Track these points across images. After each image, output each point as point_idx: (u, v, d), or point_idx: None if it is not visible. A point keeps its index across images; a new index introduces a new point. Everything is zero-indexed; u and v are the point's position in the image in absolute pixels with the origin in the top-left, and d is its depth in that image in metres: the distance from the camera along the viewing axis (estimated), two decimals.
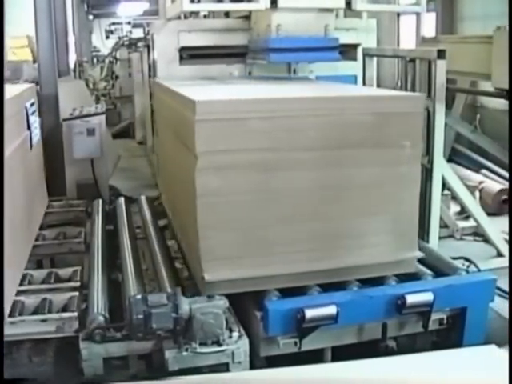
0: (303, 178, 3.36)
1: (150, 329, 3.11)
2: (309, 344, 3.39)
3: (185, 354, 3.16)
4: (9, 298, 3.36)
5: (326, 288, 3.47)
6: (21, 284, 3.76)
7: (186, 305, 3.16)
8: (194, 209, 3.28)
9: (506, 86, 6.42)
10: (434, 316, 3.59)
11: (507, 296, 4.44)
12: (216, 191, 3.25)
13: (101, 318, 3.30)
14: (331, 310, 3.28)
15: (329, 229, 3.46)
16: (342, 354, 3.55)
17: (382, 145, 3.45)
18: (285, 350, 3.37)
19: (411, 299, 3.42)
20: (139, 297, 3.18)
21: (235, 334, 3.27)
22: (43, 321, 3.39)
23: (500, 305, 4.22)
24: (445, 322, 3.70)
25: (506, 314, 4.16)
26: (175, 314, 3.13)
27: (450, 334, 3.75)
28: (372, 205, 3.50)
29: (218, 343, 3.20)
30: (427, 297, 3.45)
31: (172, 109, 3.92)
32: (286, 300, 3.37)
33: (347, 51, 5.46)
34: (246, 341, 3.27)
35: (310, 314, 3.24)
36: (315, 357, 3.55)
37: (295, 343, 3.35)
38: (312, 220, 3.42)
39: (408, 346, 3.77)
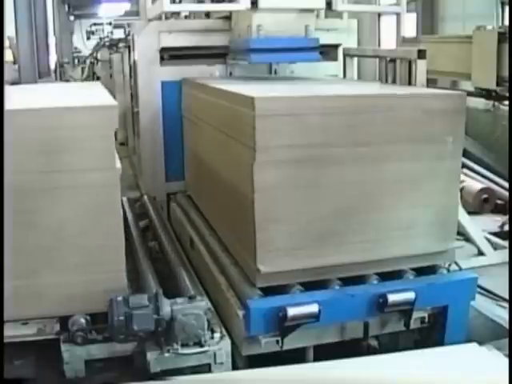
0: (355, 172, 3.47)
1: (131, 330, 3.10)
2: (291, 343, 3.41)
3: (167, 355, 3.16)
4: None
5: (308, 287, 3.48)
6: None
7: (167, 306, 3.15)
8: (249, 202, 3.36)
9: (485, 85, 6.47)
10: (416, 315, 3.61)
11: (488, 294, 4.47)
12: (273, 185, 3.34)
13: (82, 320, 3.28)
14: (313, 308, 3.30)
15: (379, 220, 3.56)
16: (324, 353, 3.57)
17: (428, 140, 3.56)
18: (267, 348, 3.39)
19: (393, 298, 3.44)
20: (120, 298, 3.16)
21: (217, 335, 3.27)
22: (24, 323, 3.37)
23: (481, 303, 4.25)
24: (426, 320, 3.73)
25: (487, 312, 4.19)
26: (156, 315, 3.12)
27: (432, 332, 3.78)
28: (418, 197, 3.60)
29: (200, 344, 3.20)
30: (409, 295, 3.48)
31: (219, 107, 3.98)
32: (268, 299, 3.39)
33: (328, 51, 5.48)
34: (227, 341, 3.27)
35: (291, 312, 3.26)
36: (297, 356, 3.56)
37: (277, 342, 3.36)
38: (364, 212, 3.52)
39: (390, 344, 3.80)
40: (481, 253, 5.20)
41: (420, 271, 3.71)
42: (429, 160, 3.58)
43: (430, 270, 3.74)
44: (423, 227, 3.65)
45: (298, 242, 3.44)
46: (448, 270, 3.78)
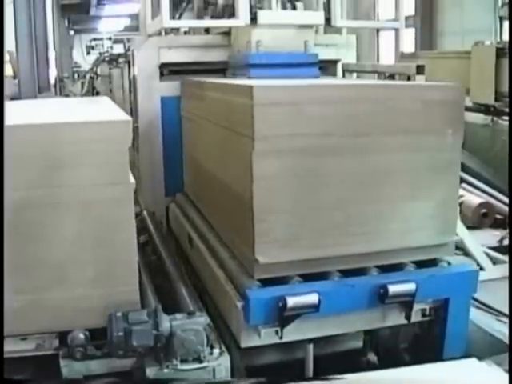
0: (355, 163, 3.46)
1: (130, 346, 3.10)
2: (290, 334, 3.40)
3: (166, 371, 3.15)
4: None
5: (307, 279, 3.47)
6: None
7: (166, 322, 3.15)
8: (248, 193, 3.36)
9: (483, 100, 6.50)
10: (417, 307, 3.61)
11: (487, 309, 4.47)
12: (272, 174, 3.33)
13: (81, 336, 3.28)
14: (313, 298, 3.29)
15: (379, 212, 3.55)
16: (323, 367, 3.56)
17: (427, 132, 3.56)
18: (266, 340, 3.39)
19: (393, 289, 3.43)
20: (119, 314, 3.16)
21: (216, 351, 3.26)
22: (23, 339, 3.36)
23: (480, 317, 4.25)
24: (427, 313, 3.72)
25: (486, 327, 4.19)
26: (156, 331, 3.12)
27: (433, 326, 3.77)
28: (418, 189, 3.59)
29: (199, 360, 3.19)
30: (409, 287, 3.47)
31: (217, 100, 4.01)
32: (268, 289, 3.38)
33: (327, 67, 5.50)
34: (227, 357, 3.26)
35: (291, 302, 3.25)
36: (297, 368, 3.56)
37: (276, 332, 3.36)
38: (364, 203, 3.51)
39: (391, 339, 3.82)
40: (480, 267, 5.20)
41: (420, 264, 3.69)
42: (429, 151, 3.58)
43: (431, 263, 3.72)
44: (423, 219, 3.64)
45: (297, 232, 3.43)
46: (449, 263, 3.76)
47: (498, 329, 4.17)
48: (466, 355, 3.59)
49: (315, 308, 3.30)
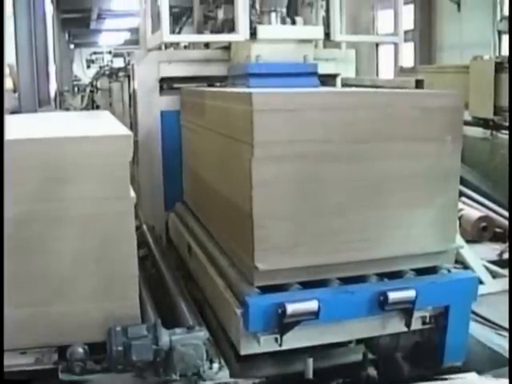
0: (354, 169, 3.47)
1: (129, 360, 3.10)
2: (290, 342, 3.38)
3: None
4: None
5: (307, 286, 3.46)
6: None
7: (166, 336, 3.14)
8: (247, 199, 3.36)
9: (482, 114, 6.52)
10: (417, 314, 3.59)
11: (487, 323, 4.47)
12: (271, 181, 3.33)
13: (80, 350, 3.28)
14: (313, 305, 3.28)
15: (379, 219, 3.54)
16: (323, 379, 3.56)
17: (427, 139, 3.57)
18: (265, 347, 3.37)
19: (393, 296, 3.42)
20: (119, 328, 3.16)
21: (215, 366, 3.26)
22: (22, 353, 3.36)
23: (480, 331, 4.25)
24: (427, 321, 3.70)
25: (486, 341, 4.19)
26: (155, 345, 3.11)
27: (433, 333, 3.75)
28: (417, 196, 3.59)
29: (199, 375, 3.19)
30: (409, 294, 3.45)
31: (217, 108, 4.04)
32: (267, 295, 3.36)
33: (326, 81, 5.51)
34: (226, 372, 3.26)
35: (291, 308, 3.23)
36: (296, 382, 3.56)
37: (276, 340, 3.34)
38: (363, 210, 3.51)
39: (391, 346, 3.81)
40: (480, 281, 5.20)
41: (420, 272, 3.68)
42: (428, 158, 3.58)
43: (431, 271, 3.71)
44: (423, 227, 3.63)
45: (297, 239, 3.42)
46: (448, 271, 3.75)
47: (497, 343, 4.17)
48: (466, 369, 3.59)
49: (315, 315, 3.29)
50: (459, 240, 5.18)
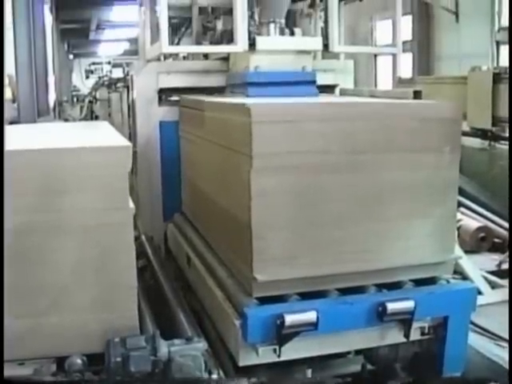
0: (353, 180, 3.47)
1: (128, 372, 3.09)
2: (289, 353, 3.38)
3: None
4: None
5: (305, 297, 3.46)
6: None
7: (164, 347, 3.14)
8: (246, 210, 3.35)
9: (480, 125, 6.54)
10: (416, 325, 3.58)
11: (486, 333, 4.47)
12: (270, 192, 3.33)
13: (79, 361, 3.27)
14: (311, 316, 3.27)
15: (378, 230, 3.54)
16: None
17: (425, 150, 3.57)
18: (264, 358, 3.37)
19: (392, 306, 3.41)
20: (117, 339, 3.15)
21: (214, 377, 3.25)
22: (20, 364, 3.35)
23: (479, 342, 4.25)
24: (426, 331, 3.69)
25: (485, 351, 4.19)
26: (154, 356, 3.11)
27: (432, 344, 3.75)
28: (417, 207, 3.59)
29: None
30: (408, 304, 3.44)
31: (216, 119, 4.05)
32: (266, 306, 3.36)
33: (325, 92, 5.53)
34: None
35: (289, 319, 3.23)
36: None
37: (274, 351, 3.34)
38: (362, 221, 3.51)
39: (390, 357, 3.80)
40: (478, 292, 5.20)
41: (419, 282, 3.67)
42: (426, 169, 3.58)
43: (430, 281, 3.70)
44: (422, 237, 3.62)
45: (296, 250, 3.42)
46: (447, 281, 3.75)
47: (496, 353, 4.17)
48: (465, 380, 3.59)
49: (314, 326, 3.28)
50: (458, 250, 5.20)
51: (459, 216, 6.91)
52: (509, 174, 5.77)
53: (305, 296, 3.46)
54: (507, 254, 6.17)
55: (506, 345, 4.30)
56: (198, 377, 3.13)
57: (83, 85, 26.26)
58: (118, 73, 15.93)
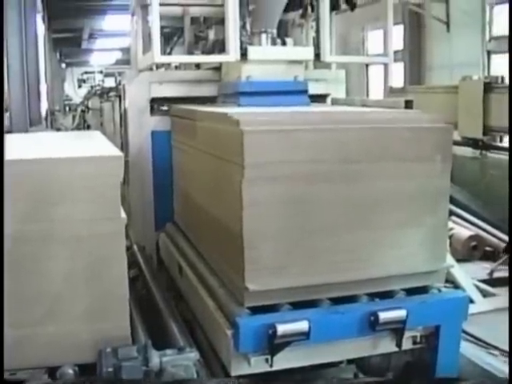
0: (345, 189, 3.47)
1: (120, 382, 3.08)
2: (281, 363, 3.38)
3: None
4: None
5: (297, 307, 3.46)
6: None
7: (156, 357, 3.13)
8: (238, 220, 3.35)
9: (471, 134, 6.56)
10: (408, 334, 3.59)
11: (478, 342, 4.48)
12: (262, 201, 3.32)
13: (70, 371, 3.26)
14: (303, 325, 3.27)
15: (370, 239, 3.54)
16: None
17: (417, 159, 3.58)
18: (256, 368, 3.36)
19: (384, 316, 3.41)
20: (109, 349, 3.15)
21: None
22: (12, 374, 3.33)
23: (471, 351, 4.25)
24: (418, 340, 3.69)
25: (477, 360, 4.19)
26: (145, 366, 3.10)
27: (424, 353, 3.75)
28: (409, 216, 3.59)
29: None
30: (400, 313, 3.45)
31: (207, 129, 4.05)
32: (257, 316, 3.36)
33: (317, 102, 5.55)
34: None
35: (281, 329, 3.23)
36: None
37: (266, 360, 3.34)
38: (354, 230, 3.51)
39: (382, 366, 3.80)
40: (470, 300, 5.21)
41: (411, 291, 3.68)
42: (418, 178, 3.59)
43: (422, 290, 3.71)
44: (413, 246, 3.62)
45: (287, 259, 3.41)
46: (439, 290, 3.75)
47: (488, 362, 4.17)
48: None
49: (305, 335, 3.28)
50: (450, 259, 5.21)
51: (451, 225, 6.93)
52: (509, 183, 5.79)
53: (297, 305, 3.46)
54: (498, 262, 6.20)
55: (498, 353, 4.31)
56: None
57: (75, 94, 26.23)
58: (110, 82, 15.93)
